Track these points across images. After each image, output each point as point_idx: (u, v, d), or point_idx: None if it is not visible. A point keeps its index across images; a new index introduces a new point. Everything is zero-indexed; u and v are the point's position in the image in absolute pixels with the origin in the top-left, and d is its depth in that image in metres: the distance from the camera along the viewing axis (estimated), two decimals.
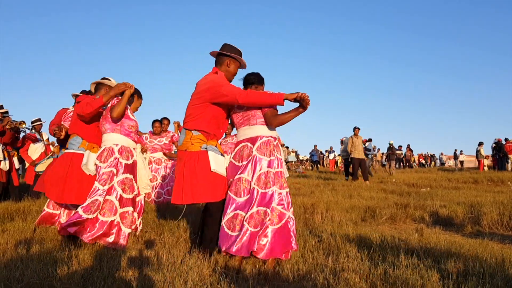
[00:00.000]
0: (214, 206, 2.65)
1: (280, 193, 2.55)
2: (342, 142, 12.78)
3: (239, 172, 2.61)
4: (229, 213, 2.55)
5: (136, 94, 3.38)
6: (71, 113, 3.85)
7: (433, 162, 30.97)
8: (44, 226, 3.56)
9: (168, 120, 6.34)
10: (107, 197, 2.97)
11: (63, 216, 3.61)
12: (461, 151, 25.04)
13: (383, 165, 20.27)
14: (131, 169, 3.17)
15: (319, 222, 4.20)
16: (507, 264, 2.31)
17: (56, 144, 4.44)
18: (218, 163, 2.67)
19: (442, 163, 29.56)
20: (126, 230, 2.99)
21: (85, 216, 2.81)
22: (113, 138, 3.11)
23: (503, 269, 2.21)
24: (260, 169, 2.56)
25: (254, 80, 2.82)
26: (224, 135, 5.10)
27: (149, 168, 5.81)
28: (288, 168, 18.66)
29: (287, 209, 2.54)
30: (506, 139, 15.95)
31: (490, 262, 2.36)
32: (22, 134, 6.34)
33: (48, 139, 6.66)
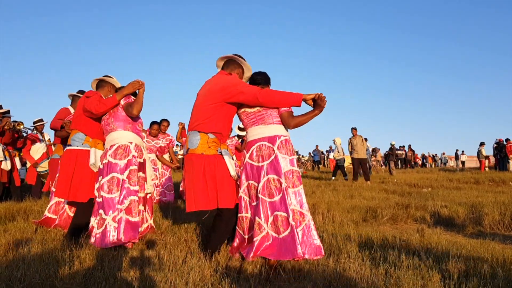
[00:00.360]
0: (230, 211, 2.62)
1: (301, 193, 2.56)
2: (334, 142, 12.96)
3: (264, 173, 2.56)
4: (270, 216, 2.49)
5: None
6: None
7: (434, 162, 30.92)
8: (46, 228, 3.58)
9: (168, 122, 6.22)
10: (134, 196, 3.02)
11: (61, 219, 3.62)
12: (462, 151, 25.02)
13: (384, 165, 20.24)
14: (143, 167, 3.17)
15: (320, 222, 4.20)
16: (509, 265, 2.31)
17: (56, 145, 4.43)
18: (233, 168, 2.65)
19: (445, 163, 29.55)
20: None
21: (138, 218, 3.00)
22: (126, 136, 3.07)
23: (505, 269, 2.21)
24: (284, 168, 2.53)
25: (260, 80, 2.79)
26: None
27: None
28: None
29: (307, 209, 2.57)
30: (507, 140, 15.92)
31: (491, 262, 2.35)
32: (24, 135, 6.35)
33: (50, 139, 6.67)
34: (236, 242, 2.66)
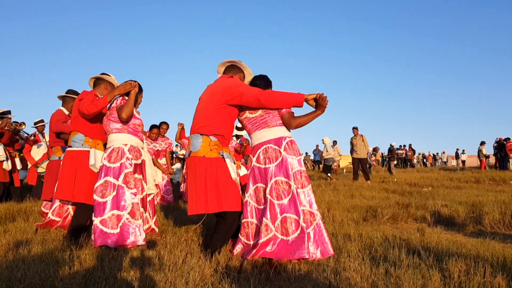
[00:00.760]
0: (234, 214, 2.61)
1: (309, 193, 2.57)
2: (323, 141, 13.03)
3: (272, 175, 2.56)
4: (278, 217, 2.49)
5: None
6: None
7: (434, 161, 30.91)
8: (47, 229, 3.58)
9: (167, 124, 6.16)
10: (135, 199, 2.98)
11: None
12: (463, 150, 25.04)
13: (382, 165, 20.24)
14: (140, 169, 3.15)
15: None
16: (509, 264, 2.31)
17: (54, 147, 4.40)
18: (235, 171, 2.65)
19: (445, 162, 29.54)
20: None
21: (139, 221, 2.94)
22: (121, 138, 3.03)
23: (505, 268, 2.20)
24: (292, 169, 2.53)
25: (260, 84, 2.78)
26: None
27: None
28: None
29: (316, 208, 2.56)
30: (507, 139, 15.92)
31: (491, 261, 2.35)
32: (22, 137, 6.35)
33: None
34: (236, 250, 2.63)
